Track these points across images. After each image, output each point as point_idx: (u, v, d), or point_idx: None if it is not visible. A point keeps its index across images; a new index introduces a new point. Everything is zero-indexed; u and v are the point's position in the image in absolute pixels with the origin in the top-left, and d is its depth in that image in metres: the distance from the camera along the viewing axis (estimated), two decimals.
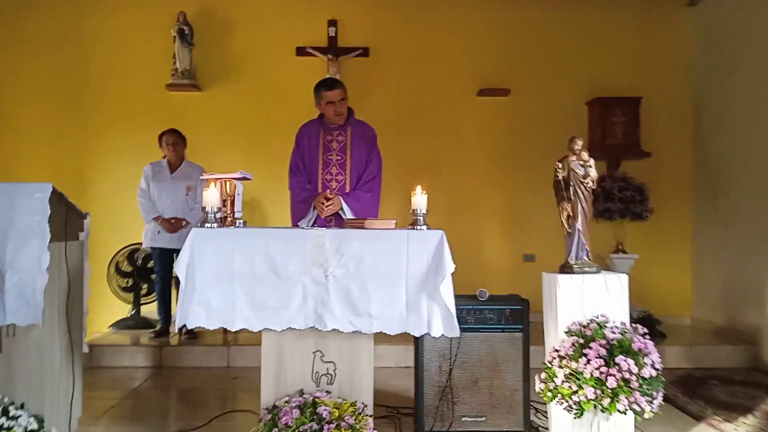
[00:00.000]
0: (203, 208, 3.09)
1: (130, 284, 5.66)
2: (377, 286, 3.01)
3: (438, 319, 3.01)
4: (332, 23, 5.83)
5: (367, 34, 5.88)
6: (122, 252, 5.70)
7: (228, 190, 3.28)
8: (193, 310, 3.00)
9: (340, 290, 3.00)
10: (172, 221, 5.15)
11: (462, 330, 3.26)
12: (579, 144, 3.24)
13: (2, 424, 2.83)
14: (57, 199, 3.14)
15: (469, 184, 5.99)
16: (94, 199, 5.72)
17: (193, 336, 5.18)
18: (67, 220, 3.21)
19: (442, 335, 3.03)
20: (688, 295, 6.10)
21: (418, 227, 3.11)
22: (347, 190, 4.06)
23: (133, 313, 5.67)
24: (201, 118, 5.77)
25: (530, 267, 5.70)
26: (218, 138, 5.82)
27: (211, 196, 3.08)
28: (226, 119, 5.83)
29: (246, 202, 5.81)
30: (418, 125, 5.93)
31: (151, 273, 5.52)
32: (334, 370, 3.11)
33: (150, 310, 5.62)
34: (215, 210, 3.08)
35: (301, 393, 3.05)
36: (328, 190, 4.03)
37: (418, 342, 3.44)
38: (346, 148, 4.08)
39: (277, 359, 3.10)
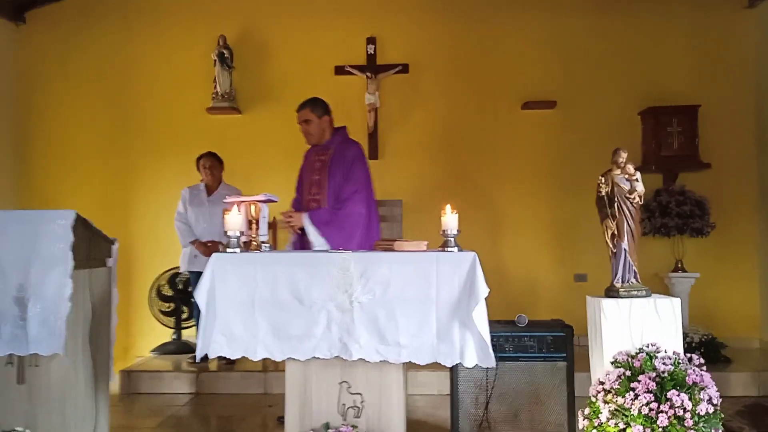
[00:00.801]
0: (225, 232, 3.00)
1: (171, 308, 5.65)
2: (406, 313, 2.83)
3: (471, 348, 2.80)
4: (371, 41, 5.74)
5: (407, 50, 5.76)
6: (163, 276, 5.70)
7: (253, 213, 3.18)
8: (215, 338, 2.90)
9: (366, 317, 2.84)
10: (209, 245, 5.09)
11: (499, 359, 3.06)
12: (623, 156, 2.99)
13: None
14: (81, 225, 3.10)
15: (515, 200, 5.75)
16: (138, 223, 5.76)
17: (230, 362, 5.09)
18: (91, 246, 3.16)
19: (477, 365, 2.83)
20: (756, 316, 5.64)
21: (449, 249, 2.92)
22: None
23: (174, 337, 5.65)
24: (241, 140, 5.75)
25: (582, 287, 5.39)
26: (259, 160, 5.79)
27: (234, 220, 2.98)
28: (266, 141, 5.79)
29: None
30: (461, 141, 5.75)
31: (191, 297, 5.50)
32: (361, 402, 2.94)
33: (191, 334, 5.59)
34: (237, 234, 2.98)
35: (327, 427, 2.90)
36: (291, 208, 4.00)
37: (452, 371, 3.23)
38: (326, 168, 3.95)
39: (301, 390, 2.96)
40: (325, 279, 2.87)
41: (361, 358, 2.84)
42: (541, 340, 3.09)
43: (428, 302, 2.83)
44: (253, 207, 3.16)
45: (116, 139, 5.89)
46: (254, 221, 3.18)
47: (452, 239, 2.93)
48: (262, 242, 3.16)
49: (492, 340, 2.98)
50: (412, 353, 2.83)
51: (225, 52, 5.65)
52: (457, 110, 5.74)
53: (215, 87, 5.66)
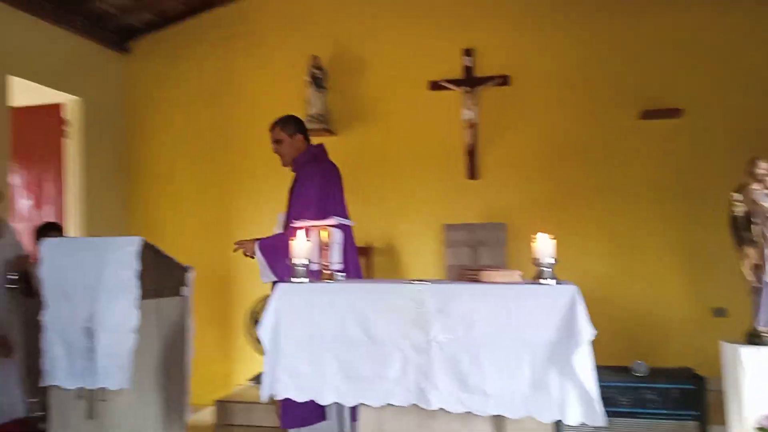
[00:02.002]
0: (290, 260, 2.73)
1: None
2: (492, 356, 2.42)
3: (573, 401, 2.34)
4: (468, 52, 5.36)
5: (507, 60, 5.33)
6: (261, 302, 5.58)
7: (324, 239, 2.90)
8: (281, 379, 2.62)
9: (445, 360, 2.46)
10: None
11: (611, 415, 2.55)
12: (763, 167, 2.42)
13: None
14: (151, 252, 2.97)
15: (635, 222, 5.10)
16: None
17: None
18: (162, 274, 3.02)
19: (584, 424, 2.36)
20: None
21: (544, 281, 2.48)
22: None
23: None
24: (336, 161, 5.53)
25: (722, 324, 4.64)
26: (353, 182, 5.54)
27: (300, 247, 2.71)
28: (361, 162, 5.55)
29: (381, 249, 5.49)
30: (570, 156, 5.20)
31: None
32: None
33: None
34: (304, 262, 2.71)
35: None
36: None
37: (556, 427, 2.75)
38: (290, 192, 3.72)
39: None
40: (397, 313, 2.52)
41: (441, 408, 2.47)
42: (665, 394, 2.55)
43: (519, 344, 2.41)
44: (324, 232, 2.88)
45: (216, 163, 5.90)
46: (325, 247, 2.89)
47: (548, 270, 2.49)
48: (335, 270, 2.87)
49: (602, 392, 2.50)
50: (500, 405, 2.41)
51: (317, 72, 5.51)
52: (565, 123, 5.22)
53: (309, 109, 5.51)
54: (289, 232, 3.41)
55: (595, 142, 5.17)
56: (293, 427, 3.35)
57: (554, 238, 2.51)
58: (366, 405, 2.58)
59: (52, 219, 5.45)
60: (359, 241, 5.38)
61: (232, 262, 5.61)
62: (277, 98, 5.73)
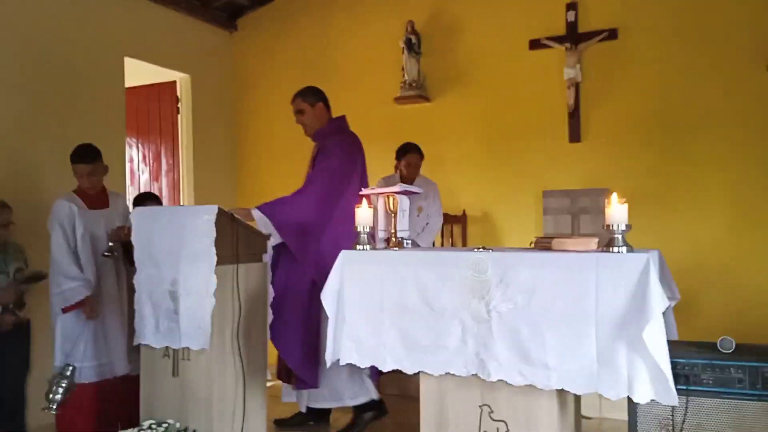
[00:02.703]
0: (355, 228, 2.73)
1: None
2: (555, 329, 2.28)
3: (644, 378, 2.16)
4: (571, 6, 5.02)
5: (615, 12, 4.92)
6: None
7: (391, 207, 2.86)
8: (344, 344, 2.64)
9: (506, 331, 2.35)
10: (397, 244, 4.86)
11: (693, 393, 2.34)
12: None
13: None
14: (228, 220, 3.08)
15: (762, 189, 4.56)
16: None
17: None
18: (241, 242, 3.12)
19: (654, 401, 2.17)
20: None
21: (615, 249, 2.28)
22: None
23: None
24: (431, 129, 5.45)
25: None
26: (449, 149, 5.45)
27: (363, 215, 2.69)
28: (457, 129, 5.43)
29: (476, 218, 5.35)
30: (684, 116, 4.74)
31: None
32: None
33: None
34: (367, 230, 2.69)
35: None
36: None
37: (629, 404, 2.55)
38: (312, 162, 3.76)
39: (437, 410, 2.57)
40: (457, 282, 2.44)
41: (502, 380, 2.37)
42: (754, 373, 2.27)
43: (585, 316, 2.24)
44: (391, 199, 2.84)
45: None
46: (393, 215, 2.85)
47: (620, 237, 2.30)
48: (402, 238, 2.83)
49: (683, 369, 2.31)
50: (563, 378, 2.27)
51: (412, 38, 5.41)
52: (679, 79, 4.74)
53: (403, 75, 5.44)
54: (298, 195, 3.55)
55: (713, 100, 4.66)
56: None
57: (623, 202, 2.30)
58: (426, 374, 2.54)
59: (169, 190, 5.85)
60: (453, 208, 5.30)
61: None
62: (372, 67, 5.72)
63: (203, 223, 2.95)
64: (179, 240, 3.00)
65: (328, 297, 2.63)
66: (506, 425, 2.44)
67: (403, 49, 5.43)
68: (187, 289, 2.98)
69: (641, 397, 2.15)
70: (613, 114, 4.92)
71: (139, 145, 6.01)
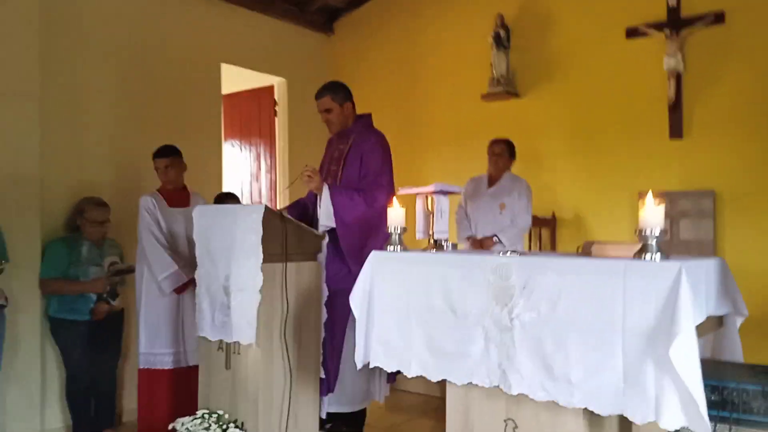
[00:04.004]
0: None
1: None
2: (580, 341, 2.10)
3: (673, 402, 1.92)
4: None
5: None
6: None
7: (429, 207, 2.77)
8: (373, 346, 2.61)
9: (528, 341, 2.20)
10: (481, 241, 4.72)
11: (742, 423, 2.05)
12: None
13: None
14: (277, 220, 3.15)
15: None
16: None
17: None
18: (288, 240, 3.17)
19: (685, 428, 1.93)
20: None
21: (647, 256, 2.05)
22: None
23: None
24: (519, 126, 5.23)
25: None
26: (539, 147, 5.20)
27: (395, 215, 2.64)
28: (547, 125, 5.17)
29: (567, 220, 5.06)
30: None
31: None
32: None
33: None
34: (399, 230, 2.63)
35: None
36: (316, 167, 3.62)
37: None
38: (342, 158, 3.62)
39: (463, 421, 2.46)
40: (481, 287, 2.31)
41: (524, 394, 2.22)
42: None
43: (611, 329, 2.04)
44: (429, 199, 2.75)
45: (405, 132, 5.97)
46: (430, 216, 2.77)
47: (653, 243, 2.06)
48: (439, 240, 2.73)
49: (731, 395, 2.03)
50: (587, 397, 2.08)
51: (501, 32, 5.22)
52: None
53: (492, 71, 5.27)
54: (366, 194, 3.48)
55: None
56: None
57: (661, 203, 2.06)
58: (450, 382, 2.43)
59: (267, 191, 6.11)
60: (542, 210, 5.04)
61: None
62: (460, 63, 5.61)
63: (251, 221, 3.03)
64: (231, 237, 3.11)
65: (357, 298, 2.60)
66: None
67: (491, 45, 5.26)
68: (237, 284, 3.09)
69: (669, 423, 1.91)
70: (719, 107, 4.44)
71: (241, 148, 6.33)
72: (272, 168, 6.10)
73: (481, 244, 4.63)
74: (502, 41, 5.23)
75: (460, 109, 5.51)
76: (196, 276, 3.32)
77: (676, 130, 4.55)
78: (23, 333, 3.89)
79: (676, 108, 4.54)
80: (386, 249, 2.63)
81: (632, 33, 4.74)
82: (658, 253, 2.03)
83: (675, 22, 4.54)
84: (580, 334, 2.09)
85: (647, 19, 4.67)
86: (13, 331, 3.76)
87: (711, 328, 2.45)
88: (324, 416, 3.57)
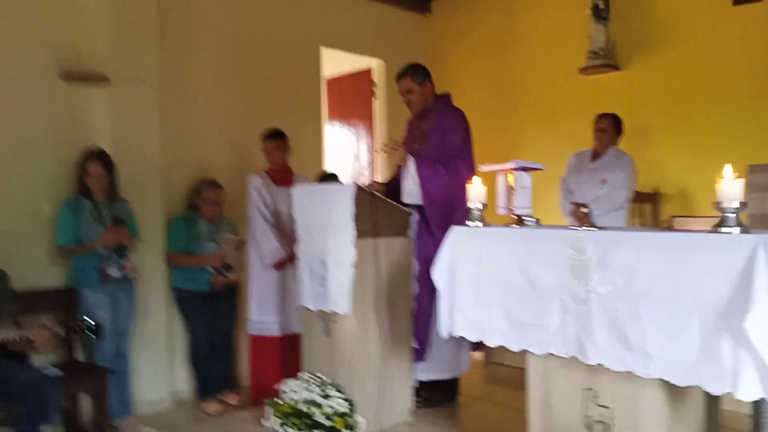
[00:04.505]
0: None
1: None
2: (655, 314, 2.15)
3: (749, 374, 1.95)
4: None
5: None
6: None
7: (510, 183, 2.85)
8: (456, 318, 2.75)
9: (604, 313, 2.27)
10: (574, 207, 4.63)
11: None
12: None
13: (318, 402, 3.19)
14: (367, 197, 3.34)
15: None
16: None
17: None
18: (379, 217, 3.36)
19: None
20: None
21: (725, 229, 2.05)
22: None
23: None
24: (620, 100, 5.09)
25: None
26: (642, 121, 5.05)
27: (475, 190, 2.75)
28: (647, 97, 5.00)
29: (671, 196, 4.89)
30: None
31: None
32: (611, 419, 2.36)
33: None
34: (479, 206, 2.74)
35: None
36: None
37: (755, 403, 2.26)
38: (425, 137, 3.74)
39: (543, 389, 2.57)
40: (557, 261, 2.39)
41: (601, 364, 2.28)
42: None
43: (686, 302, 2.07)
44: (510, 176, 2.83)
45: (502, 109, 5.99)
46: (513, 191, 2.85)
47: (732, 216, 2.05)
48: (521, 215, 2.81)
49: None
50: (663, 368, 2.13)
51: (600, 3, 5.09)
52: None
53: (590, 44, 5.16)
54: (449, 165, 3.57)
55: None
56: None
57: (741, 177, 2.04)
58: (531, 353, 2.53)
59: (369, 171, 6.33)
60: (644, 185, 4.90)
61: None
62: (559, 37, 5.53)
63: (344, 199, 3.24)
64: (327, 214, 3.34)
65: (439, 271, 2.75)
66: (612, 412, 2.35)
67: (590, 16, 5.15)
68: (333, 258, 3.32)
69: (746, 394, 1.93)
70: None
71: (343, 129, 6.59)
72: (372, 148, 6.32)
73: (574, 212, 4.60)
74: (601, 12, 5.10)
75: (558, 84, 5.44)
76: (296, 250, 3.58)
77: None
78: (151, 303, 4.33)
79: None
80: (467, 224, 2.75)
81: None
82: (738, 227, 2.02)
83: None
84: (655, 306, 2.13)
85: None
86: (143, 300, 4.20)
87: None
88: (416, 384, 3.77)
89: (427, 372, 3.76)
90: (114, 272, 3.81)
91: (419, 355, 3.69)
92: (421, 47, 6.46)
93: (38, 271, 3.91)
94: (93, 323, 3.30)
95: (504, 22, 5.91)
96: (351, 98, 6.43)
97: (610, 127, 4.58)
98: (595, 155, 4.67)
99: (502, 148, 5.94)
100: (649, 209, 4.95)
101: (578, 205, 4.51)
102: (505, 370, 4.72)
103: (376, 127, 6.26)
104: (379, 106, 6.23)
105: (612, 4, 5.10)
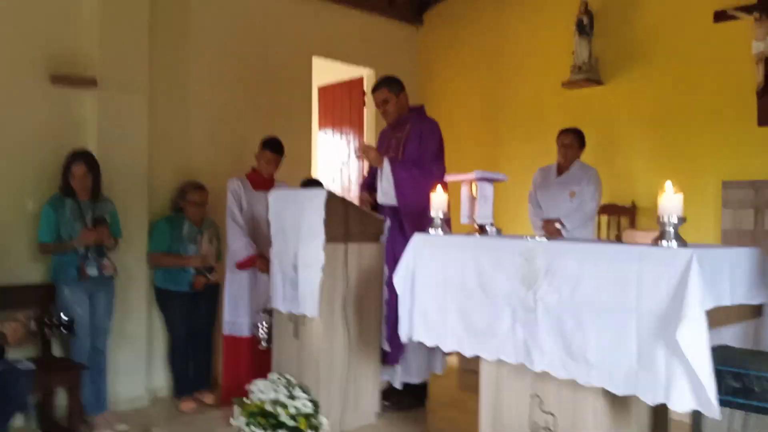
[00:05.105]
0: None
1: None
2: (597, 323, 2.21)
3: (681, 385, 2.00)
4: None
5: None
6: None
7: (473, 193, 2.92)
8: (415, 322, 2.82)
9: (550, 321, 2.33)
10: (546, 223, 4.72)
11: (759, 411, 2.08)
12: None
13: (284, 402, 3.26)
14: (339, 203, 3.42)
15: None
16: (505, 204, 5.77)
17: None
18: (350, 222, 3.43)
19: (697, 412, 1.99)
20: None
21: (663, 242, 2.11)
22: None
23: None
24: (602, 114, 5.18)
25: None
26: (621, 135, 5.13)
27: (437, 200, 2.83)
28: (629, 111, 5.07)
29: (646, 209, 4.95)
30: None
31: None
32: (554, 425, 2.41)
33: None
34: (440, 214, 2.81)
35: None
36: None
37: (693, 413, 2.31)
38: (401, 145, 3.85)
39: (494, 394, 2.65)
40: (510, 269, 2.46)
41: (546, 371, 2.34)
42: None
43: (626, 313, 2.14)
44: (473, 185, 2.90)
45: (488, 120, 6.07)
46: (475, 201, 2.91)
47: (671, 230, 2.12)
48: (482, 224, 2.88)
49: (749, 382, 2.08)
50: (603, 376, 2.19)
51: (584, 18, 5.17)
52: None
53: (574, 59, 5.24)
54: (423, 168, 3.71)
55: None
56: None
57: (680, 192, 2.11)
58: (484, 358, 2.59)
59: (358, 176, 6.41)
60: (622, 198, 4.96)
61: (503, 220, 5.71)
62: (543, 51, 5.62)
63: (315, 205, 3.32)
64: (299, 218, 3.42)
65: (400, 276, 2.82)
66: (555, 418, 2.40)
67: (574, 32, 5.23)
68: (304, 262, 3.39)
69: (679, 405, 1.98)
70: None
71: (334, 136, 6.68)
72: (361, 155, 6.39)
73: (546, 227, 4.68)
74: (585, 28, 5.18)
75: (542, 97, 5.52)
76: (270, 253, 3.65)
77: (764, 116, 4.35)
78: (133, 302, 4.42)
79: (765, 94, 4.33)
80: (428, 232, 2.82)
81: (720, 16, 4.54)
82: (674, 241, 2.09)
83: (765, 5, 4.32)
84: (597, 316, 2.19)
85: (736, 2, 4.47)
86: (124, 298, 4.29)
87: (747, 316, 2.44)
88: (399, 386, 3.87)
89: (398, 375, 3.82)
90: (92, 270, 3.89)
91: (391, 358, 3.75)
92: (412, 57, 6.57)
93: (20, 267, 4.00)
94: (66, 319, 3.38)
95: (493, 35, 6.01)
96: (342, 106, 6.52)
97: (574, 141, 4.68)
98: (560, 170, 4.76)
99: (487, 159, 6.03)
100: (626, 222, 5.02)
101: (550, 221, 4.59)
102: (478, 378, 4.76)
103: (366, 134, 6.34)
104: (369, 114, 6.31)
105: (596, 20, 5.19)
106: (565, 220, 4.56)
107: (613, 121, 5.11)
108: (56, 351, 4.03)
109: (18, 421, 3.59)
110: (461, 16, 6.29)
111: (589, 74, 5.17)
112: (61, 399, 3.87)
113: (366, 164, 5.82)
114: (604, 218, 5.13)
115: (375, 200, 3.90)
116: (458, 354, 4.64)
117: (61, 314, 3.38)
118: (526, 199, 4.97)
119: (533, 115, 5.67)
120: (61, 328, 3.34)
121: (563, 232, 4.51)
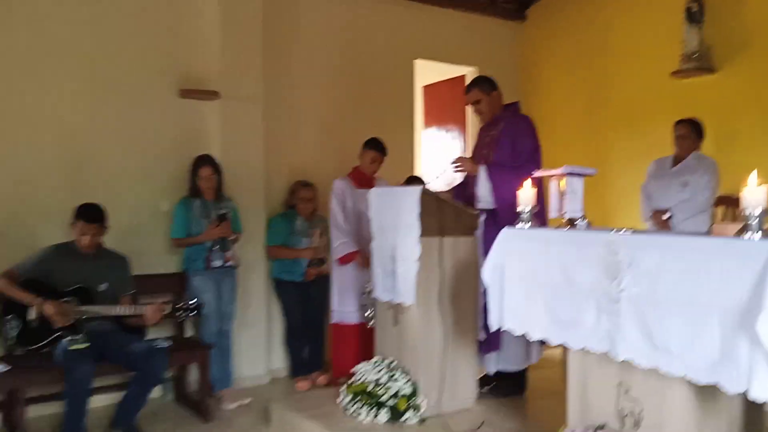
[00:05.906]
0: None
1: None
2: (678, 314, 2.27)
3: (763, 374, 2.02)
4: None
5: None
6: None
7: (561, 188, 3.00)
8: (504, 311, 2.95)
9: (633, 312, 2.41)
10: (654, 214, 4.63)
11: None
12: None
13: (384, 383, 3.52)
14: (433, 200, 3.60)
15: None
16: (611, 196, 5.70)
17: None
18: (444, 218, 3.60)
19: None
20: None
21: (747, 236, 2.13)
22: None
23: None
24: (715, 103, 4.98)
25: None
26: (735, 123, 4.92)
27: (525, 195, 2.94)
28: (744, 102, 4.85)
29: None
30: None
31: None
32: (640, 413, 2.49)
33: None
34: (528, 209, 2.93)
35: (601, 428, 2.58)
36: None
37: None
38: (494, 142, 3.88)
39: (582, 382, 2.75)
40: (593, 262, 2.55)
41: (629, 360, 2.41)
42: None
43: (707, 304, 2.17)
44: (561, 181, 2.98)
45: (592, 114, 6.00)
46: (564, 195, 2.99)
47: (756, 222, 2.12)
48: (571, 218, 2.96)
49: None
50: (685, 366, 2.24)
51: (693, 5, 5.00)
52: None
53: (683, 47, 5.08)
54: (520, 170, 3.66)
55: None
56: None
57: (763, 183, 2.11)
58: (570, 348, 2.68)
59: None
60: (737, 190, 4.73)
61: (608, 209, 5.67)
62: (651, 41, 5.49)
63: (411, 200, 3.52)
64: (397, 214, 3.64)
65: (487, 269, 2.96)
66: (641, 405, 2.46)
67: (683, 20, 5.08)
68: (401, 254, 3.61)
69: (759, 394, 2.00)
70: None
71: (440, 134, 6.86)
72: (465, 152, 6.53)
73: (663, 223, 4.59)
74: (694, 15, 5.02)
75: (649, 88, 5.39)
76: (371, 247, 3.91)
77: None
78: (253, 290, 4.86)
79: None
80: (516, 226, 2.95)
81: None
82: (759, 233, 2.09)
83: None
84: (679, 307, 2.23)
85: None
86: (245, 287, 4.74)
87: None
88: (492, 373, 4.02)
89: (496, 363, 3.98)
90: (217, 261, 4.36)
91: (490, 346, 3.90)
92: (514, 54, 6.60)
93: (157, 258, 4.54)
94: (196, 303, 3.84)
95: (597, 27, 5.93)
96: (446, 104, 6.68)
97: (689, 132, 4.56)
98: (677, 160, 4.65)
99: (590, 154, 5.96)
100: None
101: (659, 212, 4.51)
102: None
103: (469, 131, 6.47)
104: (470, 111, 6.42)
105: (706, 7, 5.00)
106: (675, 208, 4.48)
107: (729, 110, 4.92)
108: (188, 332, 4.54)
109: (156, 392, 4.10)
110: (564, 9, 6.25)
111: (700, 63, 5.00)
112: (192, 375, 4.35)
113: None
114: (721, 209, 4.94)
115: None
116: (562, 346, 4.74)
117: (193, 300, 3.86)
118: (633, 193, 4.92)
119: (640, 107, 5.55)
120: (192, 311, 3.80)
121: (671, 222, 4.44)
